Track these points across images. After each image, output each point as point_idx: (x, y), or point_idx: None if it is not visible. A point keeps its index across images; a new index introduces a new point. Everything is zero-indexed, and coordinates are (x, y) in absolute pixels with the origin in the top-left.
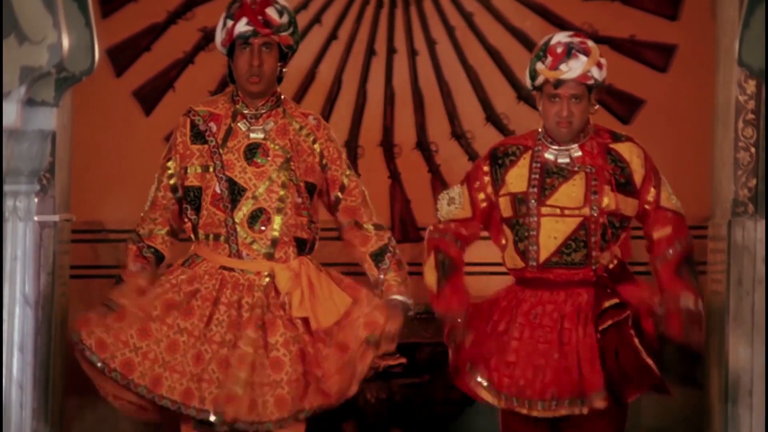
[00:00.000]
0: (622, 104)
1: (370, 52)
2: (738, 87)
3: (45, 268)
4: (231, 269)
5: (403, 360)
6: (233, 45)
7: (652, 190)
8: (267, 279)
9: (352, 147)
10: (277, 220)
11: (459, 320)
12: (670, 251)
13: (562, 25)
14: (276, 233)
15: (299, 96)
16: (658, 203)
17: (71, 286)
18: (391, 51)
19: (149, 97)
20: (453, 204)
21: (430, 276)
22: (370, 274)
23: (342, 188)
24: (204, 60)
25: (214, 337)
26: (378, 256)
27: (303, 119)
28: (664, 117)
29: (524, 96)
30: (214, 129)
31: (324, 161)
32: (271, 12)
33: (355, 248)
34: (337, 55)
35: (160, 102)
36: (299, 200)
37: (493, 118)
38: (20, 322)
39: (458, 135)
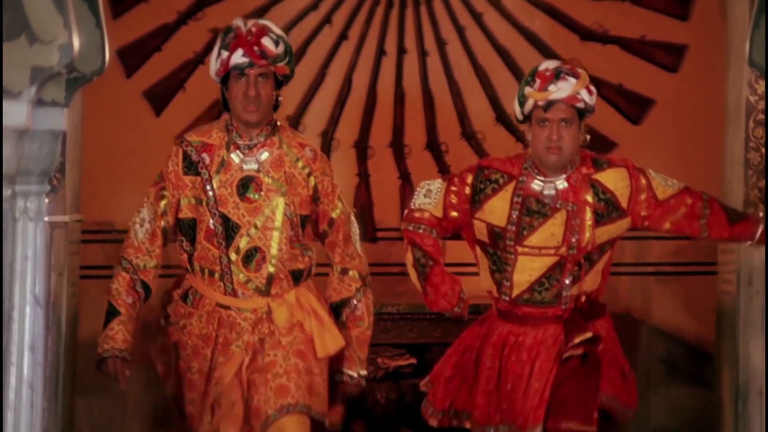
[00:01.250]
0: (632, 104)
1: (380, 53)
2: (748, 87)
3: (55, 269)
4: (227, 307)
5: (412, 360)
6: (228, 74)
7: (643, 200)
8: (261, 315)
9: (361, 147)
10: (272, 258)
11: (456, 310)
12: (704, 210)
13: (571, 25)
14: (272, 270)
15: (309, 96)
16: (658, 202)
17: (81, 287)
18: (401, 51)
19: (160, 97)
20: (429, 197)
21: (412, 275)
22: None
23: (330, 223)
24: None
25: (218, 375)
26: (338, 308)
27: (300, 150)
28: (675, 117)
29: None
30: (207, 160)
31: (317, 195)
32: (266, 42)
33: (328, 287)
34: (347, 55)
35: (171, 102)
36: (292, 233)
37: (503, 118)
38: (31, 322)
39: (468, 135)
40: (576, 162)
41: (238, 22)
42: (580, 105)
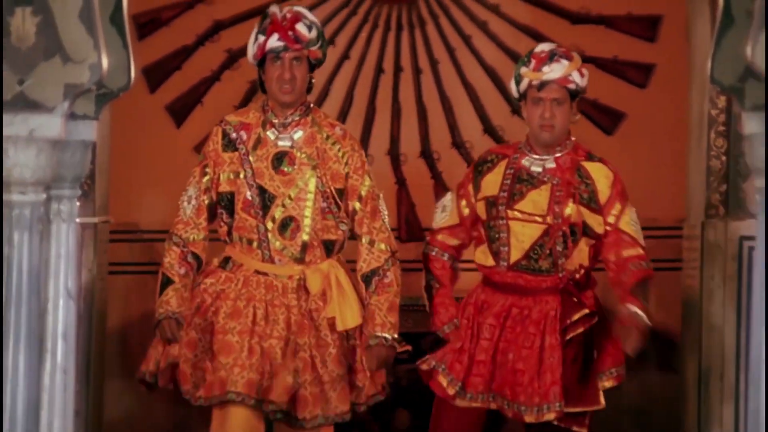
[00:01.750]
0: (605, 117)
1: (379, 71)
2: (710, 102)
3: (86, 265)
4: (265, 273)
5: (408, 347)
6: (264, 58)
7: (615, 211)
8: (297, 282)
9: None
10: (305, 227)
11: (445, 330)
12: (631, 268)
13: None
14: (306, 238)
15: None
16: (618, 225)
17: (110, 281)
18: (397, 69)
19: (180, 111)
20: (444, 212)
21: (425, 296)
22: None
23: (359, 198)
24: (229, 78)
25: (261, 332)
26: (368, 278)
27: (330, 129)
28: (644, 129)
29: (517, 110)
30: (245, 137)
31: (347, 169)
32: (300, 28)
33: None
34: (349, 73)
35: (190, 115)
36: (324, 205)
37: (489, 129)
38: (64, 313)
39: (458, 145)
40: (568, 146)
41: (273, 9)
42: (572, 86)
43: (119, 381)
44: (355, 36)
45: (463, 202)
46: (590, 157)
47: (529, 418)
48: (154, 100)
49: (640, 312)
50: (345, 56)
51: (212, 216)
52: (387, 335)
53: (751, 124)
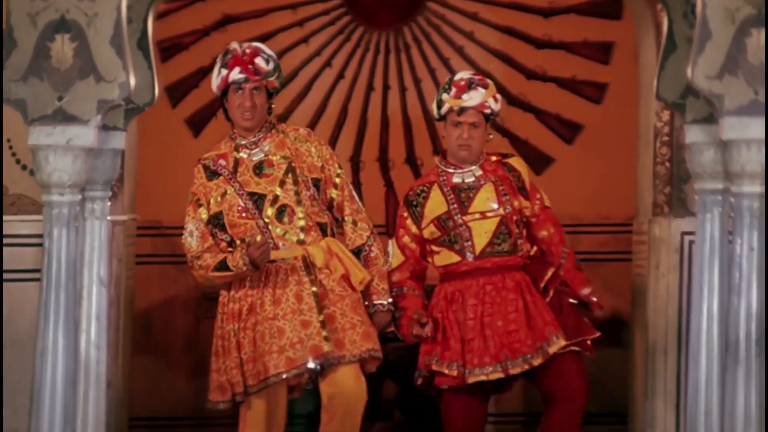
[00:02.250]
0: (566, 129)
1: (370, 88)
2: (656, 115)
3: (116, 256)
4: (273, 261)
5: (393, 328)
6: (227, 89)
7: (537, 197)
8: (302, 260)
9: (355, 161)
10: (299, 211)
11: (413, 331)
12: (565, 251)
13: (519, 67)
14: (302, 221)
15: (313, 123)
16: (543, 203)
17: (136, 271)
18: (386, 87)
19: (197, 123)
20: (390, 257)
21: (394, 327)
22: None
23: (335, 186)
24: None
25: (283, 312)
26: (355, 254)
27: (295, 132)
28: (599, 139)
29: (517, 104)
30: (224, 164)
31: (320, 162)
32: (259, 61)
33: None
34: (344, 90)
35: (206, 127)
36: (309, 192)
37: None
38: (96, 298)
39: (438, 152)
40: (483, 157)
41: (234, 45)
42: (488, 111)
43: (145, 356)
44: (349, 59)
45: (406, 239)
46: (505, 155)
47: (536, 360)
48: (175, 113)
49: (588, 290)
50: (340, 76)
51: (215, 238)
52: (383, 301)
53: (691, 135)
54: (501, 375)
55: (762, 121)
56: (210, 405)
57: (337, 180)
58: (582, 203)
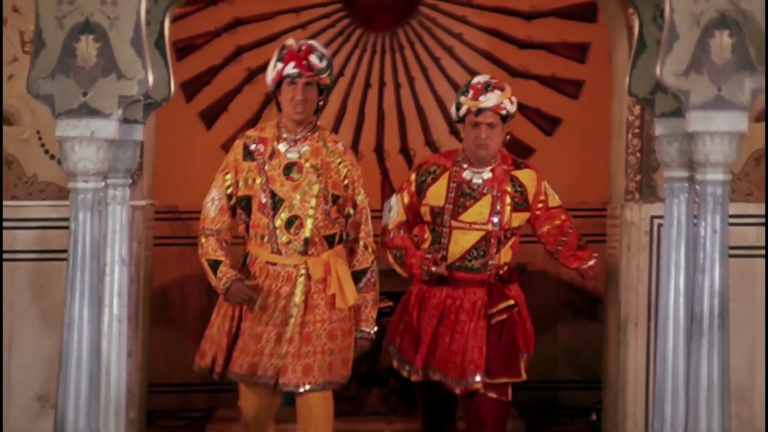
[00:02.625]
0: (545, 122)
1: (367, 85)
2: (628, 110)
3: (135, 238)
4: (274, 263)
5: (390, 303)
6: (281, 81)
7: (541, 198)
8: (303, 271)
9: (354, 152)
10: (308, 225)
11: (426, 276)
12: (568, 231)
13: (504, 66)
14: (307, 234)
15: (317, 117)
16: (547, 207)
17: (154, 252)
18: (382, 84)
19: (210, 116)
20: (392, 211)
21: (396, 268)
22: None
23: (354, 206)
24: (248, 91)
25: (266, 319)
26: (358, 276)
27: (334, 144)
28: (576, 131)
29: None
30: (262, 149)
31: (346, 181)
32: (313, 58)
33: (349, 257)
34: (343, 87)
35: (218, 120)
36: (326, 207)
37: (454, 131)
38: (118, 276)
39: (430, 143)
40: (498, 158)
41: (291, 41)
42: (503, 112)
43: (162, 328)
44: (348, 58)
45: (406, 199)
46: (517, 165)
47: (458, 390)
48: (190, 108)
49: (592, 261)
50: (340, 74)
51: (232, 215)
52: (369, 330)
53: (659, 128)
54: (436, 379)
55: (725, 115)
56: (194, 365)
57: (358, 201)
58: (560, 190)
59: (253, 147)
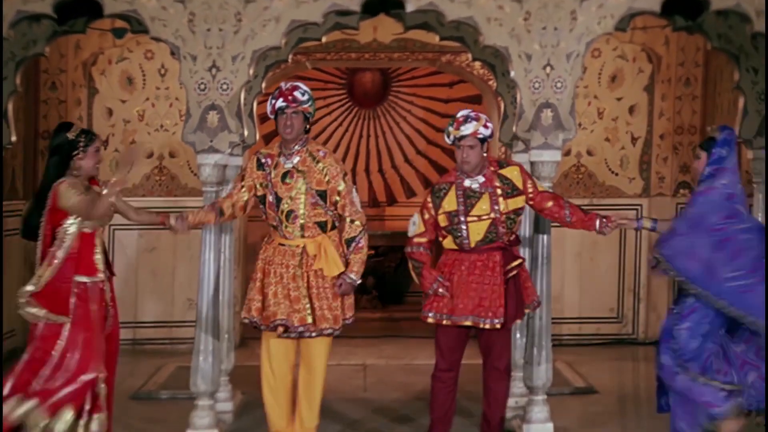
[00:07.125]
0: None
1: (360, 135)
2: (499, 149)
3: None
4: (283, 244)
5: (371, 252)
6: (276, 113)
7: (530, 187)
8: (301, 248)
9: (352, 172)
10: (300, 216)
11: (431, 291)
12: (568, 206)
13: (437, 113)
14: (302, 222)
15: (330, 148)
16: (537, 190)
17: (248, 225)
18: (368, 135)
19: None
20: (415, 225)
21: (414, 276)
22: (345, 251)
23: (338, 193)
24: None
25: (280, 284)
26: (349, 242)
27: (317, 152)
28: None
29: (431, 143)
30: (270, 162)
31: (327, 178)
32: (297, 94)
33: (341, 232)
34: (348, 137)
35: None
36: (313, 201)
37: (408, 160)
38: (228, 237)
39: (394, 166)
40: (486, 165)
41: (282, 84)
42: (480, 136)
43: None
44: (351, 121)
45: (426, 216)
46: (501, 165)
47: (484, 326)
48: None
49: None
50: (346, 130)
51: (246, 206)
52: (354, 277)
53: (516, 158)
54: (468, 323)
55: (549, 152)
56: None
57: (340, 189)
58: None
59: (263, 160)
